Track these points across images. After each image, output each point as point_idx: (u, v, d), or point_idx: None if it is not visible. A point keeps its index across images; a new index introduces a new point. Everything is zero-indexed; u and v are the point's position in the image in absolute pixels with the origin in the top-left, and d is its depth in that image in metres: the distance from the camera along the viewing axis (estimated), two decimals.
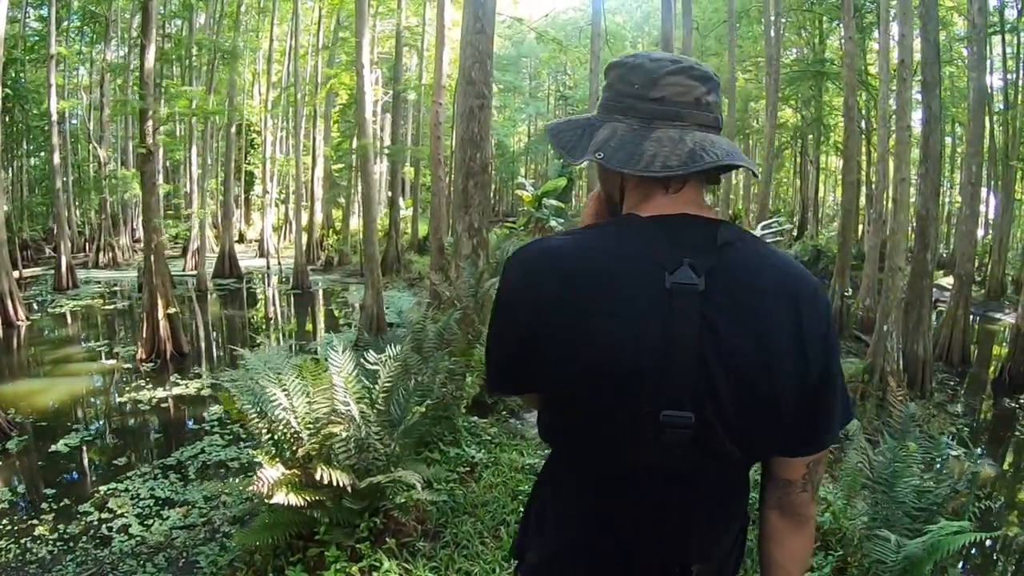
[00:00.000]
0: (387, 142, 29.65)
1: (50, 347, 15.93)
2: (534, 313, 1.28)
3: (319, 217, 29.64)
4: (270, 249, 27.53)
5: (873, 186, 22.23)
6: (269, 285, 25.10)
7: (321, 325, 19.51)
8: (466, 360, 6.62)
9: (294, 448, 4.93)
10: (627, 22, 44.66)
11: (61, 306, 20.01)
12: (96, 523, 6.86)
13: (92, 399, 12.18)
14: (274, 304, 22.65)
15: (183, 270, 25.26)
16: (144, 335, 14.01)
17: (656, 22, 42.91)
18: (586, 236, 1.33)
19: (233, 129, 24.38)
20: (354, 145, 24.27)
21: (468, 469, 5.85)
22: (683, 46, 18.51)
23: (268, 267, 26.18)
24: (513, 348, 1.35)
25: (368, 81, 13.88)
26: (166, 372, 13.18)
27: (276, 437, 5.00)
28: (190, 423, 10.60)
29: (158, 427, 10.69)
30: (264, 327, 19.37)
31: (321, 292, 23.49)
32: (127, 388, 12.05)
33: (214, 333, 18.32)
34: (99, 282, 23.63)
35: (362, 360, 5.14)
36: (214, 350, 16.33)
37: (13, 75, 26.23)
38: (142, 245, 17.61)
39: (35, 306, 20.25)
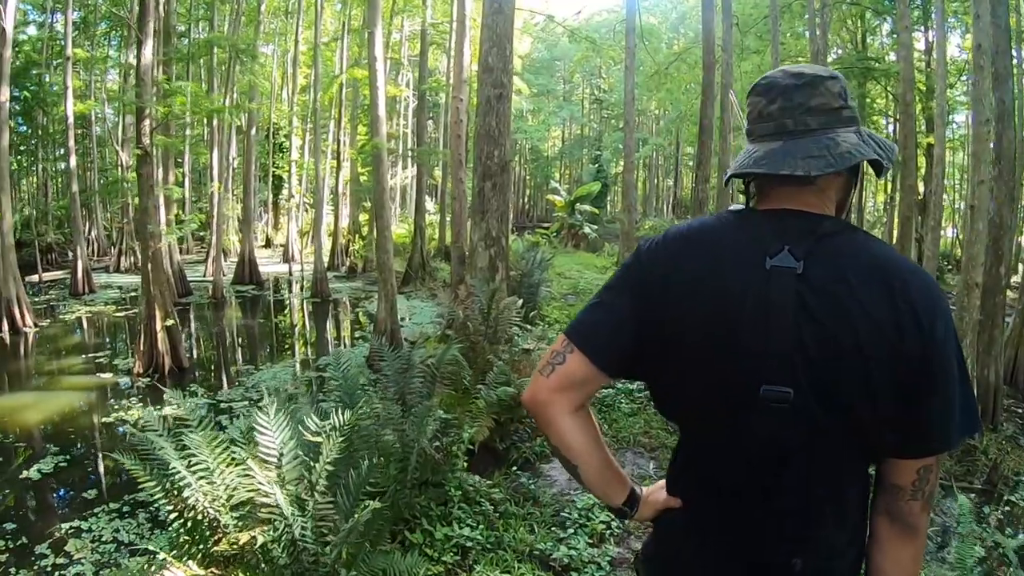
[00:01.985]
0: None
1: (51, 357, 15.13)
2: (642, 283, 1.44)
3: (345, 222, 28.34)
4: (295, 254, 26.34)
5: (932, 192, 20.32)
6: (289, 293, 23.87)
7: (339, 336, 18.18)
8: (465, 408, 5.11)
9: (213, 539, 3.52)
10: (662, 23, 42.97)
11: (73, 312, 19.29)
12: (50, 569, 6.19)
13: (78, 418, 11.14)
14: (289, 314, 21.41)
15: (203, 275, 24.16)
16: (141, 348, 12.99)
17: (692, 23, 41.59)
18: (705, 223, 1.47)
19: (254, 131, 23.20)
20: None
21: (458, 557, 4.35)
22: (723, 43, 16.87)
23: (291, 273, 24.94)
24: (611, 314, 1.48)
25: (382, 76, 12.48)
26: (161, 389, 12.00)
27: (188, 524, 3.58)
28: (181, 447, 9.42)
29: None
30: (274, 339, 18.11)
31: (341, 301, 22.13)
32: (116, 407, 11.13)
33: (219, 346, 17.09)
34: (118, 287, 22.69)
35: (307, 422, 3.66)
36: (217, 365, 15.07)
37: (35, 79, 25.54)
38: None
39: (48, 311, 19.57)
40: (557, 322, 10.59)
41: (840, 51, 30.21)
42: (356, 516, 3.12)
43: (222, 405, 11.30)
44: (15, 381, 13.38)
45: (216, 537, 3.57)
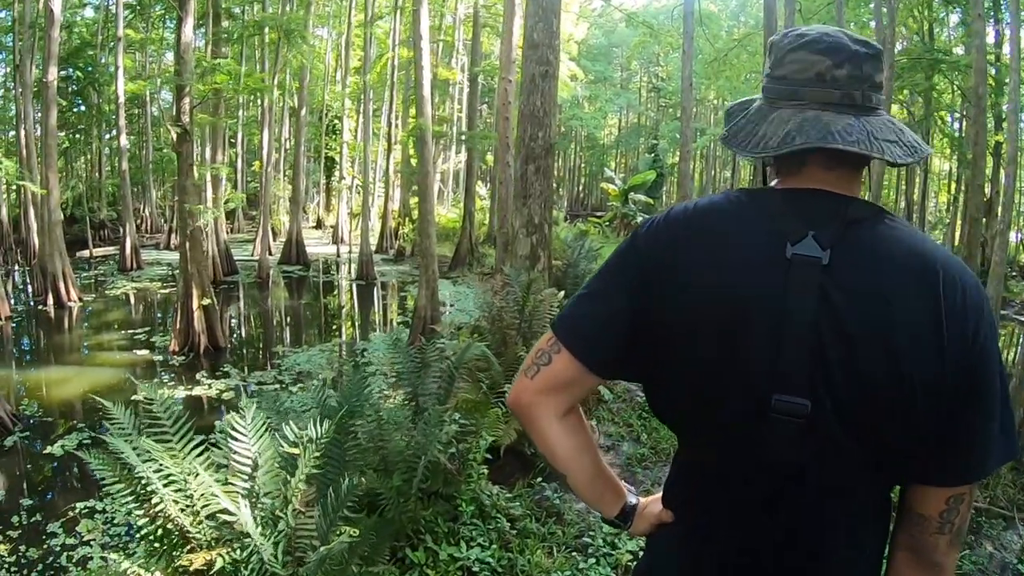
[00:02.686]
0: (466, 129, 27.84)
1: (92, 332, 15.17)
2: (640, 273, 1.24)
3: (395, 205, 28.02)
4: (344, 236, 26.08)
5: (999, 193, 19.12)
6: (336, 274, 23.63)
7: (380, 320, 17.84)
8: (486, 412, 4.55)
9: (186, 549, 3.09)
10: (722, 11, 41.78)
11: (119, 288, 19.43)
12: (58, 549, 6.08)
13: (108, 395, 10.88)
14: (333, 296, 21.13)
15: (251, 254, 24.04)
16: (178, 327, 12.91)
17: (752, 10, 40.41)
18: (714, 202, 1.26)
19: (304, 112, 22.96)
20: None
21: None
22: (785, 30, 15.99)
23: (338, 255, 24.69)
24: (603, 307, 1.28)
25: (427, 55, 12.03)
26: (195, 368, 12.11)
27: (158, 532, 3.14)
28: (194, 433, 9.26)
29: (183, 425, 9.45)
30: (314, 321, 17.82)
31: (387, 284, 21.80)
32: (148, 384, 10.64)
33: (258, 326, 16.91)
34: (167, 264, 22.79)
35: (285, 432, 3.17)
36: (254, 345, 14.84)
37: (90, 59, 25.71)
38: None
39: (95, 286, 19.74)
40: None
41: (905, 42, 28.93)
42: (330, 543, 2.61)
43: (253, 387, 11.01)
44: (57, 355, 13.44)
45: (188, 548, 3.12)
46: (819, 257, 1.12)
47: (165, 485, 3.04)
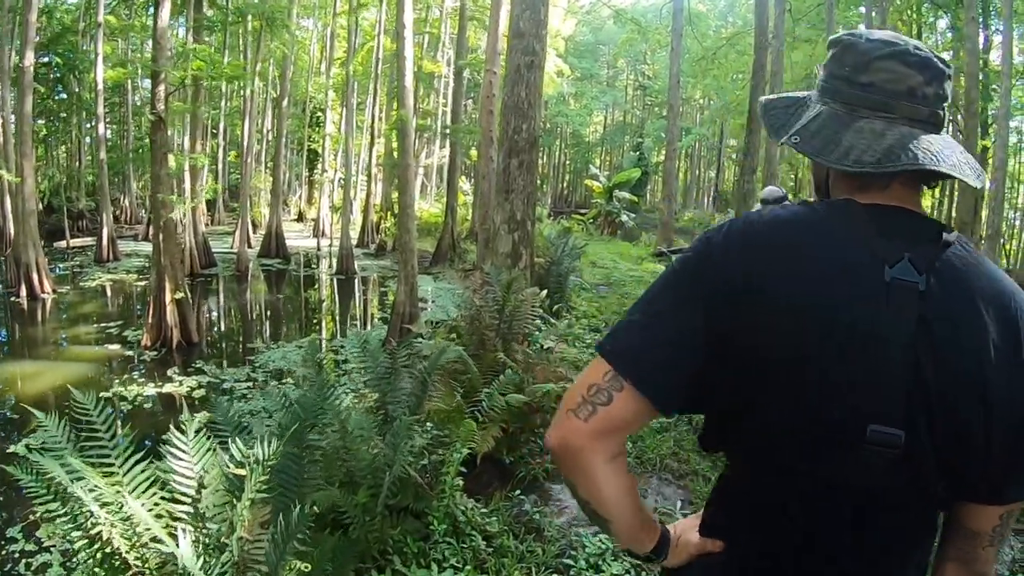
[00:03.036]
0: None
1: (64, 325, 14.79)
2: (719, 291, 1.11)
3: (378, 198, 27.60)
4: (325, 230, 25.68)
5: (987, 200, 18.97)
6: (315, 268, 23.22)
7: (357, 317, 17.47)
8: (460, 421, 4.22)
9: None
10: (711, 11, 41.67)
11: (94, 279, 18.97)
12: (17, 556, 5.79)
13: (79, 390, 10.47)
14: (311, 290, 20.73)
15: (231, 247, 23.57)
16: (150, 321, 12.52)
17: (740, 11, 40.25)
18: (797, 211, 1.16)
19: (286, 103, 22.50)
20: (415, 123, 22.35)
21: None
22: (775, 29, 15.70)
23: (319, 248, 24.28)
24: (674, 331, 1.14)
25: (410, 44, 11.68)
26: (168, 364, 11.73)
27: (97, 555, 2.81)
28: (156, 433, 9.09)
29: (127, 434, 9.11)
30: (291, 317, 17.41)
31: (367, 279, 21.42)
32: (118, 380, 10.66)
33: (234, 321, 16.51)
34: (144, 256, 22.28)
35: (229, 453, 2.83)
36: (229, 340, 14.44)
37: (70, 45, 25.11)
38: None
39: (70, 278, 19.31)
40: (585, 316, 9.70)
41: None
42: None
43: (224, 385, 10.66)
44: (27, 348, 13.09)
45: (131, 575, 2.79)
46: (916, 282, 1.07)
47: (101, 507, 2.71)
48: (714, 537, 1.34)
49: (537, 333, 7.29)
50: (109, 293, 17.83)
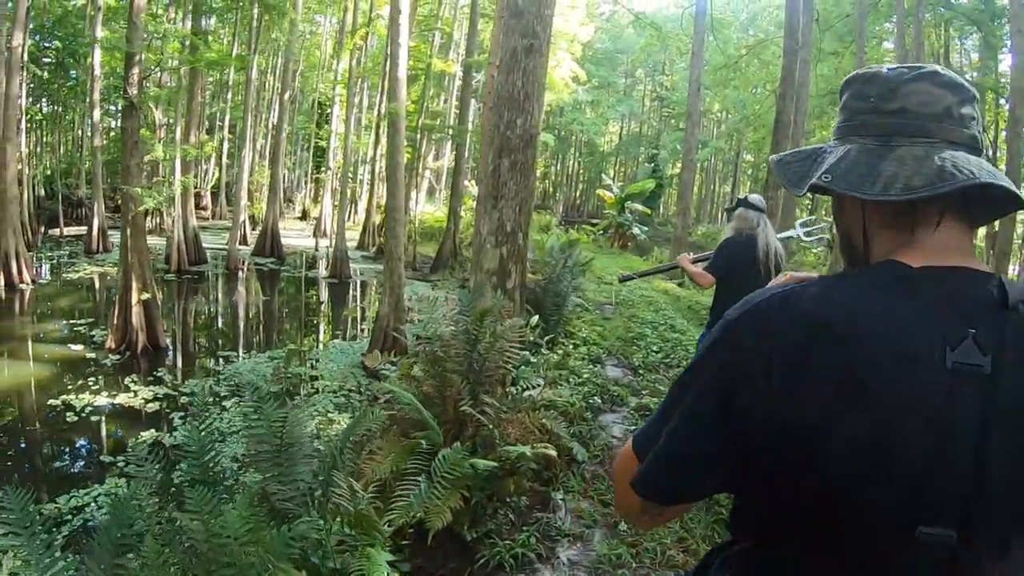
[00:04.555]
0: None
1: (34, 320, 13.86)
2: (758, 383, 0.98)
3: (383, 199, 26.32)
4: (326, 229, 24.42)
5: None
6: (310, 270, 21.97)
7: (347, 324, 16.19)
8: (376, 528, 2.94)
9: None
10: (733, 21, 40.33)
11: (79, 271, 18.10)
12: None
13: (28, 395, 9.83)
14: (299, 294, 19.44)
15: (227, 243, 22.41)
16: (115, 323, 11.47)
17: (763, 24, 38.99)
18: (842, 285, 1.03)
19: (288, 95, 21.28)
20: (421, 122, 21.11)
21: None
22: (802, 37, 14.37)
23: (317, 249, 23.04)
24: (715, 440, 1.03)
25: (405, 30, 10.47)
26: (130, 370, 10.67)
27: None
28: (104, 453, 8.04)
29: (69, 451, 8.36)
30: (271, 322, 16.17)
31: (361, 284, 20.14)
32: (74, 386, 9.70)
33: (209, 324, 15.29)
34: None
35: None
36: (198, 347, 13.20)
37: (71, 27, 24.03)
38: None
39: (54, 268, 18.54)
40: (585, 343, 8.34)
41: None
42: None
43: (183, 399, 9.49)
44: None
45: None
46: (982, 366, 0.91)
47: None
48: None
49: (524, 368, 6.01)
50: (87, 287, 16.84)
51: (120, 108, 11.26)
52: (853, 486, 0.95)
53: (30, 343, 11.88)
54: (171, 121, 18.52)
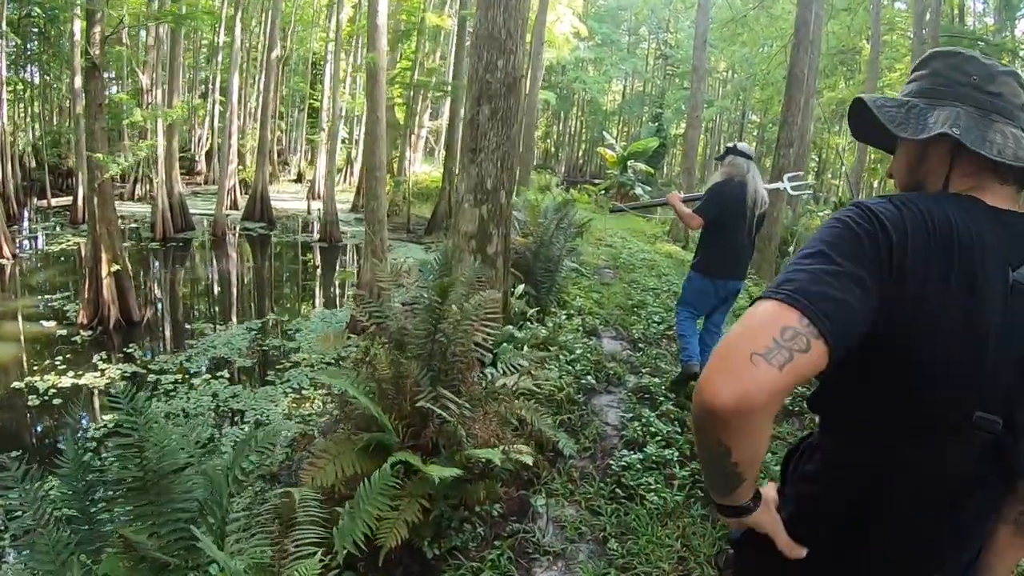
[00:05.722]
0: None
1: (9, 295, 13.17)
2: (890, 261, 1.13)
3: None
4: (320, 191, 23.54)
5: None
6: (301, 234, 21.19)
7: (336, 291, 15.36)
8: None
9: None
10: None
11: (62, 243, 17.33)
12: None
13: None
14: (289, 259, 18.68)
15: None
16: (86, 296, 10.79)
17: None
18: (940, 203, 1.21)
19: (275, 54, 20.21)
20: (415, 79, 20.13)
21: None
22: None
23: (309, 212, 22.20)
24: (855, 290, 1.10)
25: None
26: (101, 346, 10.06)
27: None
28: (61, 439, 7.30)
29: (26, 439, 7.81)
30: (254, 290, 15.40)
31: (353, 247, 19.27)
32: (40, 367, 9.13)
33: (188, 294, 14.53)
34: (124, 216, 20.38)
35: None
36: (174, 319, 12.43)
37: None
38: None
39: (37, 241, 17.96)
40: (579, 313, 7.51)
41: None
42: None
43: (151, 377, 8.81)
44: None
45: None
46: None
47: None
48: (801, 504, 1.35)
49: (506, 346, 5.22)
50: (68, 260, 16.10)
51: (84, 70, 10.31)
52: (945, 371, 1.15)
53: (5, 321, 11.24)
54: (151, 84, 17.61)
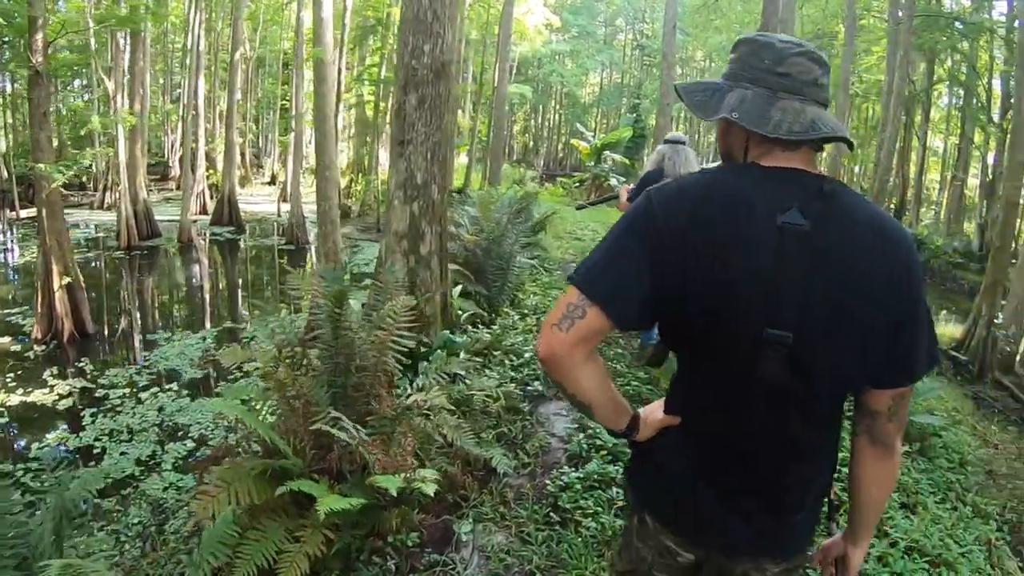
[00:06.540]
0: None
1: None
2: (663, 233, 1.38)
3: (344, 159, 24.79)
4: (290, 194, 23.10)
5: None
6: (270, 237, 20.73)
7: (287, 299, 14.84)
8: None
9: None
10: None
11: (25, 256, 16.73)
12: None
13: None
14: (254, 263, 18.23)
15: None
16: (39, 311, 10.42)
17: None
18: (714, 177, 1.47)
19: (239, 54, 19.73)
20: (383, 74, 19.67)
21: None
22: None
23: (279, 214, 21.67)
24: (627, 266, 1.40)
25: None
26: (55, 360, 9.69)
27: None
28: (5, 461, 7.03)
29: None
30: (212, 298, 14.87)
31: (319, 251, 18.81)
32: None
33: (143, 305, 14.04)
34: (95, 226, 19.95)
35: None
36: (128, 331, 11.94)
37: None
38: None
39: (3, 254, 17.82)
40: (535, 312, 7.10)
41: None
42: None
43: (99, 392, 8.40)
44: None
45: None
46: (803, 224, 1.34)
47: None
48: (672, 415, 1.62)
49: (439, 353, 4.79)
50: (29, 273, 15.52)
51: (28, 78, 9.90)
52: (727, 304, 1.36)
53: None
54: (114, 90, 17.09)
